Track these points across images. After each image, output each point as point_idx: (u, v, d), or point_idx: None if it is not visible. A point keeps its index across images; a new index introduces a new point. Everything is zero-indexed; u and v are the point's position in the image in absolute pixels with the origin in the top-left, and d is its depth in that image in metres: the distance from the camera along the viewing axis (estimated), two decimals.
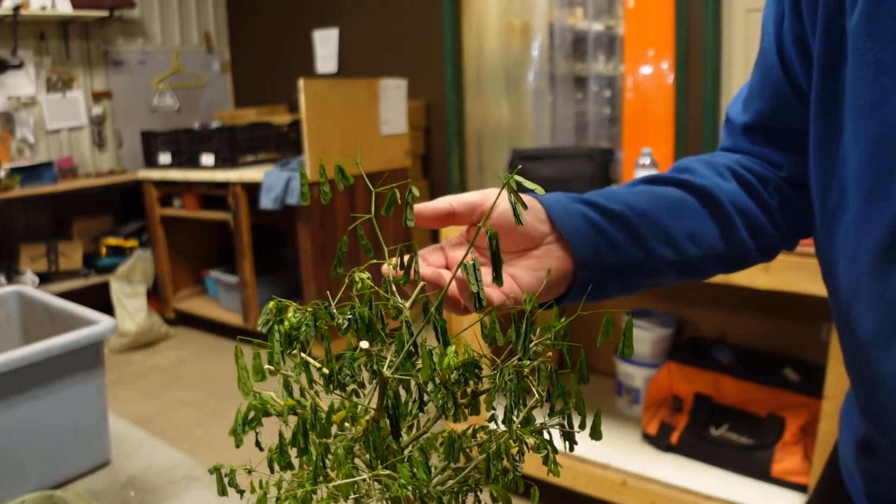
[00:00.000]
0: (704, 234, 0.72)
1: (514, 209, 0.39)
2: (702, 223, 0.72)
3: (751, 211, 0.75)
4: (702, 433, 2.36)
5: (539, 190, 0.43)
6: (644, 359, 2.63)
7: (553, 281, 0.62)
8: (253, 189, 4.14)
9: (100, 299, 4.58)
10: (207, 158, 4.39)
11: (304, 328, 0.40)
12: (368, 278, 0.45)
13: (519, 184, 0.44)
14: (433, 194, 4.88)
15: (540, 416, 0.48)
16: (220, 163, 4.33)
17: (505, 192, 0.43)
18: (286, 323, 0.39)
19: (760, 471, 2.22)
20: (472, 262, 0.39)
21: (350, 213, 3.95)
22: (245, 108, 5.50)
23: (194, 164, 4.47)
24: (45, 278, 4.59)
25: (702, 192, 0.72)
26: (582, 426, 0.47)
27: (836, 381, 1.89)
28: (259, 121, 4.76)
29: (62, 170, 4.82)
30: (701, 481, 2.23)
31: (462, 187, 4.74)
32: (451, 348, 0.38)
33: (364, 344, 0.39)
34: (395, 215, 0.47)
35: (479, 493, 0.43)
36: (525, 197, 0.58)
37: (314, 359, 0.42)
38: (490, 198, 0.59)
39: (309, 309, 0.41)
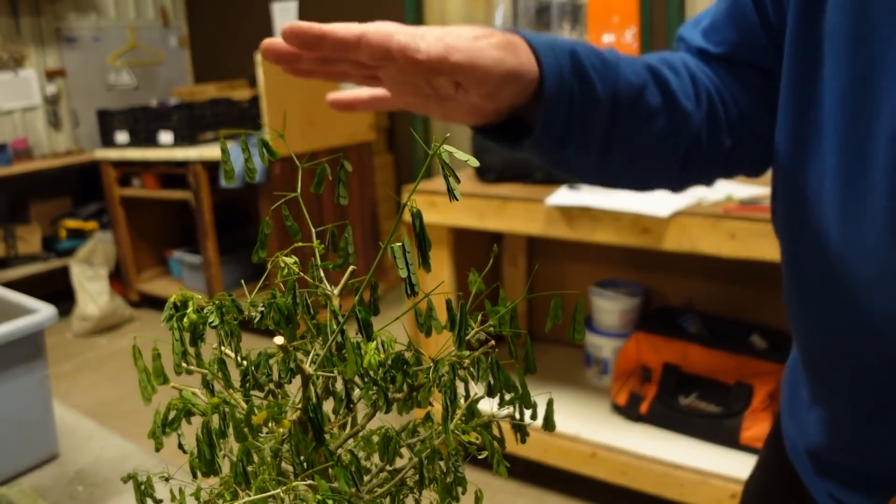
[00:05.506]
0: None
1: (448, 183, 0.36)
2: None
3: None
4: (671, 402, 2.36)
5: (472, 161, 0.39)
6: (612, 329, 2.61)
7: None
8: (214, 167, 4.04)
9: (61, 283, 4.47)
10: (166, 136, 4.28)
11: (215, 322, 0.35)
12: (294, 263, 0.40)
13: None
14: (398, 168, 4.81)
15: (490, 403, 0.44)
16: (180, 140, 4.23)
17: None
18: (186, 320, 0.35)
19: (729, 438, 2.22)
20: (400, 245, 0.35)
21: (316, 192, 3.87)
22: (204, 83, 5.36)
23: (152, 142, 4.35)
24: (3, 263, 4.47)
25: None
26: (533, 417, 0.44)
27: None
28: (219, 97, 4.65)
29: (17, 151, 4.68)
30: (670, 450, 2.22)
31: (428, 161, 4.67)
32: (373, 345, 0.34)
33: (278, 340, 0.35)
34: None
35: (417, 497, 0.40)
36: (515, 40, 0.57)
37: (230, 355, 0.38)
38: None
39: (215, 302, 0.36)
